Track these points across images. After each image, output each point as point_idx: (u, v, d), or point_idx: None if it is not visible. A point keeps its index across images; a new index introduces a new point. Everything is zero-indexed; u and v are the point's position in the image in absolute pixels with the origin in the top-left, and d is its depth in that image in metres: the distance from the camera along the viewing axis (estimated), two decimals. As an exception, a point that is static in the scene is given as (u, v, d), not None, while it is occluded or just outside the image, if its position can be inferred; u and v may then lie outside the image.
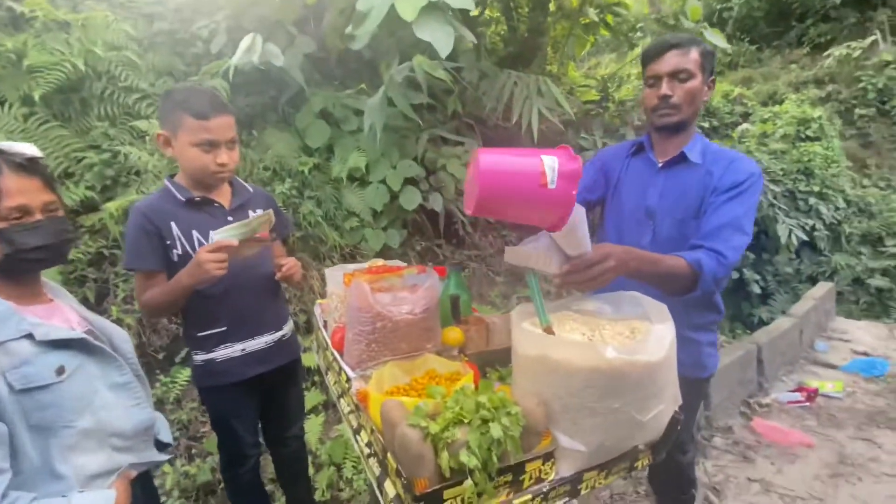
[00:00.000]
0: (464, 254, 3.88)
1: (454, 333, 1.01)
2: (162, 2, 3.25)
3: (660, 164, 1.26)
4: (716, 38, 3.46)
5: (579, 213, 0.77)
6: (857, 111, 6.53)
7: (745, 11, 8.47)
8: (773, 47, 8.36)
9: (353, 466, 2.31)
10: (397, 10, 2.13)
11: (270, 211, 1.18)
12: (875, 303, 4.48)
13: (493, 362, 1.01)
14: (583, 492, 0.72)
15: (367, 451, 0.78)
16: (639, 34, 7.53)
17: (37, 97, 2.43)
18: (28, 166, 0.86)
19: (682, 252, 1.05)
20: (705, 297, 1.09)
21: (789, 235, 4.67)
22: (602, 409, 0.68)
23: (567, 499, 0.71)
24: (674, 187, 1.22)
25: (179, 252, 1.23)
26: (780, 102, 6.39)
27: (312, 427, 2.40)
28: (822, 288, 3.97)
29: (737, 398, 2.78)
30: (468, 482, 0.59)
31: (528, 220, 0.78)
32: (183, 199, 1.25)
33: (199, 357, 1.29)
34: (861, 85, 6.62)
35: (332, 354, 1.04)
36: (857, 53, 6.74)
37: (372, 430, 0.76)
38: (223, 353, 1.28)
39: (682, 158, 1.21)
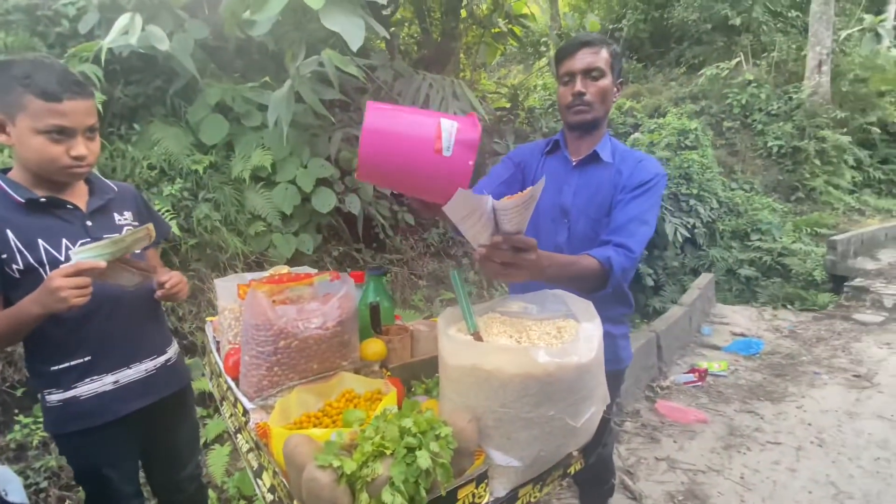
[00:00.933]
0: (385, 258, 3.76)
1: (374, 346, 0.91)
2: (11, -31, 2.71)
3: (574, 163, 1.28)
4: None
5: (538, 191, 0.70)
6: (725, 124, 7.56)
7: (633, 33, 9.42)
8: (656, 66, 9.40)
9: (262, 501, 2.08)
10: (302, -2, 1.96)
11: (150, 226, 0.96)
12: (745, 289, 5.17)
13: (419, 373, 0.93)
14: (518, 509, 0.67)
15: (269, 497, 0.65)
16: (542, 48, 8.02)
17: None
18: None
19: (591, 251, 1.07)
20: (616, 290, 1.12)
21: (675, 233, 5.24)
22: (537, 418, 0.64)
23: (502, 520, 0.64)
24: (587, 186, 1.25)
25: (20, 266, 0.96)
26: (664, 115, 7.17)
27: (217, 459, 2.12)
28: (705, 278, 4.48)
29: (642, 383, 3.00)
30: (393, 526, 0.50)
31: (419, 191, 0.71)
32: (21, 199, 0.98)
33: (55, 397, 1.01)
34: (728, 101, 7.69)
35: (227, 382, 0.88)
36: (724, 73, 7.82)
37: (275, 473, 0.63)
38: (88, 388, 1.03)
39: (594, 157, 1.25)
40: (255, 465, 0.72)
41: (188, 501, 1.30)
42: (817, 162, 7.25)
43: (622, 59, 1.22)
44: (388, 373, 0.90)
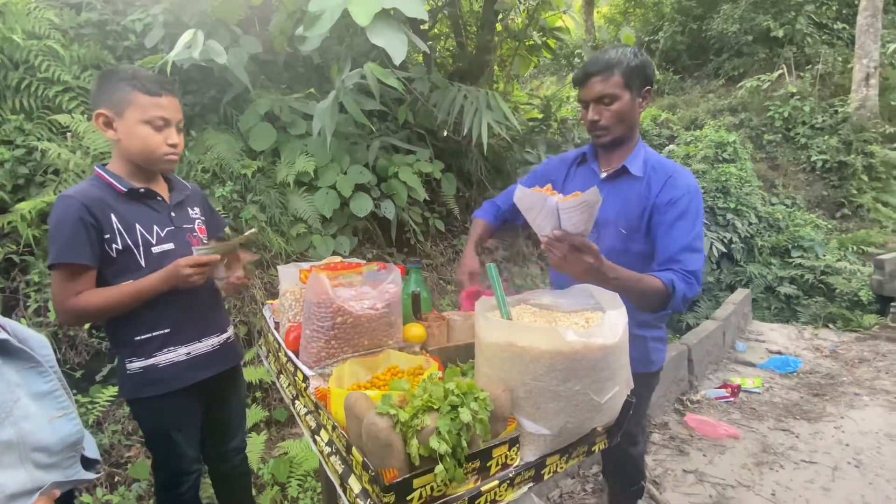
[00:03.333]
0: (414, 259, 3.86)
1: (416, 330, 1.01)
2: (90, -9, 3.02)
3: (603, 176, 1.31)
4: (647, 65, 3.77)
5: (595, 197, 0.83)
6: (766, 137, 7.36)
7: (670, 45, 9.33)
8: (693, 77, 9.26)
9: (299, 485, 2.20)
10: (351, 15, 2.12)
11: (255, 230, 1.18)
12: (784, 308, 5.00)
13: (455, 357, 1.01)
14: (546, 477, 0.74)
15: (327, 450, 0.75)
16: (576, 60, 8.05)
17: (-66, 83, 2.15)
18: None
19: (656, 272, 1.12)
20: None
21: (710, 248, 5.14)
22: (564, 391, 0.71)
23: (531, 484, 0.72)
24: (616, 199, 1.27)
25: (119, 247, 1.12)
26: (701, 127, 7.06)
27: (254, 445, 2.26)
28: (740, 294, 4.37)
29: (671, 396, 2.97)
30: (440, 468, 0.58)
31: None
32: (124, 189, 1.14)
33: (136, 364, 1.16)
34: (769, 114, 7.49)
35: (286, 355, 0.99)
36: (765, 85, 7.63)
37: (333, 427, 0.73)
38: (166, 357, 1.18)
39: (624, 171, 1.28)
40: (313, 424, 0.83)
41: (233, 471, 1.43)
42: (865, 178, 6.94)
43: (645, 68, 1.21)
44: (428, 353, 0.99)
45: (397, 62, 2.19)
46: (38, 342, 0.89)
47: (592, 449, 0.81)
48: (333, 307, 0.86)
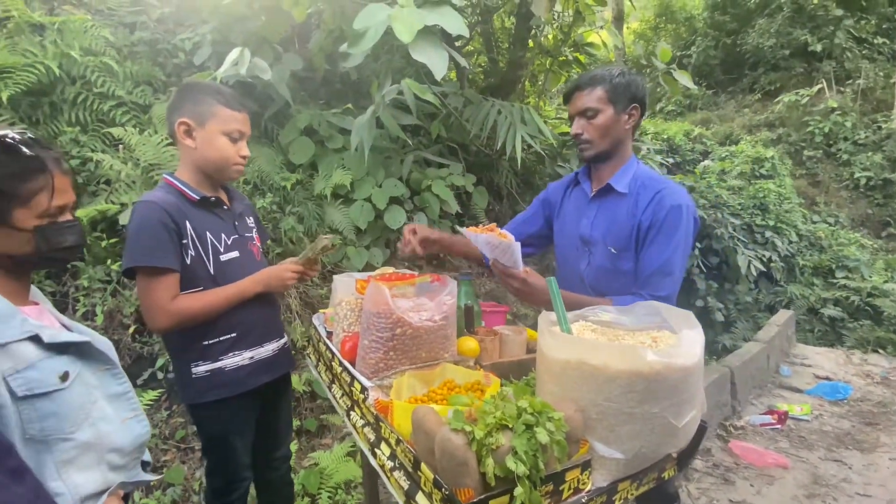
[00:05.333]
0: (449, 275, 3.85)
1: (470, 343, 0.98)
2: (144, 11, 3.19)
3: (591, 195, 1.32)
4: (683, 79, 3.72)
5: (514, 246, 1.00)
6: (806, 153, 7.12)
7: (703, 59, 9.20)
8: (728, 92, 9.08)
9: (329, 497, 2.18)
10: (394, 32, 2.16)
11: (332, 236, 1.25)
12: (828, 331, 4.75)
13: (508, 373, 0.99)
14: (616, 503, 0.70)
15: (389, 464, 0.73)
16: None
17: (4, 98, 2.29)
18: (66, 164, 0.81)
19: (617, 297, 1.16)
20: None
21: (748, 266, 4.94)
22: (641, 414, 0.67)
23: (603, 511, 0.68)
24: (604, 218, 1.28)
25: (193, 254, 1.15)
26: (737, 143, 6.88)
27: (287, 455, 2.26)
28: (784, 315, 4.18)
29: (713, 421, 2.83)
30: (518, 490, 0.56)
31: None
32: (196, 197, 1.19)
33: (202, 368, 1.18)
34: (809, 129, 7.26)
35: (342, 365, 0.99)
36: (804, 100, 7.41)
37: (397, 441, 0.71)
38: (232, 360, 1.20)
39: (609, 189, 1.28)
40: (371, 437, 0.81)
41: (279, 481, 1.42)
42: (912, 196, 6.61)
43: (631, 86, 1.22)
44: (482, 368, 0.97)
45: (439, 77, 2.21)
46: (105, 345, 0.91)
47: (662, 475, 0.76)
48: (393, 318, 0.85)
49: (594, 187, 1.33)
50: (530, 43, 5.05)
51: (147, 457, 0.99)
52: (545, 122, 5.88)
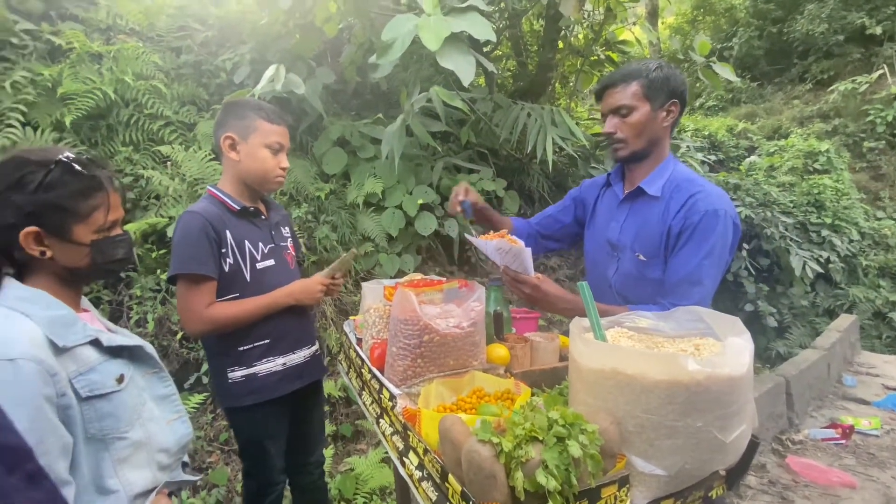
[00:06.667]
0: (478, 280, 3.83)
1: (500, 351, 0.96)
2: (189, 35, 3.38)
3: (622, 197, 1.26)
4: (724, 71, 3.54)
5: (525, 252, 1.00)
6: (866, 144, 6.61)
7: (746, 50, 8.76)
8: (775, 84, 8.59)
9: (365, 503, 2.19)
10: (422, 41, 2.18)
11: (354, 250, 1.31)
12: (899, 336, 4.36)
13: (539, 382, 0.95)
14: (659, 523, 0.65)
15: (418, 474, 0.72)
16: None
17: (68, 123, 2.48)
18: (117, 182, 0.87)
19: (637, 306, 1.09)
20: None
21: (803, 268, 4.61)
22: (683, 427, 0.63)
23: (643, 530, 0.64)
24: (634, 222, 1.21)
25: (231, 262, 1.20)
26: (786, 136, 6.49)
27: (323, 461, 2.29)
28: (846, 320, 3.87)
29: (767, 434, 2.65)
30: (550, 506, 0.53)
31: None
32: (237, 207, 1.24)
33: (238, 373, 1.22)
34: (869, 118, 6.73)
35: (371, 372, 0.99)
36: (862, 88, 6.90)
37: (425, 451, 0.70)
38: (266, 367, 1.24)
39: (640, 192, 1.21)
40: (400, 446, 0.80)
41: (313, 485, 1.45)
42: None
43: (670, 80, 1.14)
44: (512, 376, 0.94)
45: (466, 83, 2.21)
46: (151, 349, 0.96)
47: (710, 494, 0.71)
48: (420, 325, 0.85)
49: (626, 189, 1.27)
50: (560, 44, 4.98)
51: (186, 457, 1.03)
52: (577, 123, 5.78)
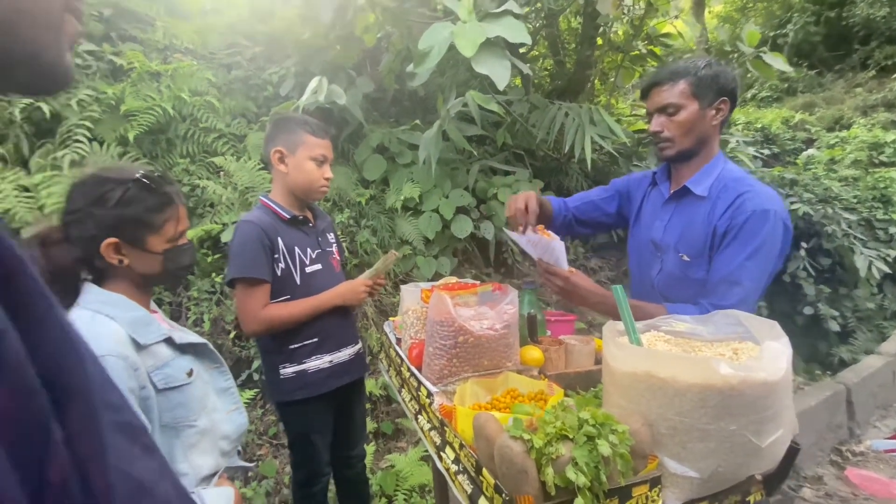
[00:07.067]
0: (513, 282, 3.84)
1: (533, 353, 0.99)
2: (239, 52, 3.60)
3: (667, 197, 1.24)
4: (776, 62, 3.37)
5: (557, 245, 1.05)
6: (938, 134, 6.04)
7: (802, 36, 8.22)
8: (835, 71, 8.02)
9: (405, 499, 2.25)
10: (457, 48, 2.22)
11: (395, 252, 1.40)
12: (982, 343, 3.95)
13: (574, 385, 0.97)
14: (693, 525, 0.66)
15: (454, 468, 0.76)
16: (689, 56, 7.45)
17: (131, 138, 2.71)
18: (183, 196, 0.98)
19: (673, 305, 1.11)
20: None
21: (869, 268, 4.28)
22: (716, 431, 0.63)
23: (676, 531, 0.64)
24: (678, 222, 1.19)
25: (283, 266, 1.31)
26: (848, 127, 6.05)
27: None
28: (917, 324, 3.56)
29: (826, 445, 2.49)
30: (578, 501, 0.55)
31: None
32: (287, 216, 1.34)
33: (289, 369, 1.32)
34: (940, 106, 6.17)
35: (410, 370, 1.04)
36: (932, 74, 6.32)
37: (461, 446, 0.74)
38: (314, 364, 1.34)
39: (686, 192, 1.19)
40: (437, 441, 0.85)
41: (355, 478, 1.54)
42: None
43: (719, 77, 1.12)
44: (546, 378, 0.96)
45: (501, 87, 2.24)
46: (212, 347, 1.05)
47: (747, 499, 0.71)
48: (455, 326, 0.89)
49: (672, 188, 1.25)
50: (598, 41, 4.89)
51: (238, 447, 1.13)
52: (618, 120, 5.65)
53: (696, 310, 1.04)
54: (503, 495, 0.59)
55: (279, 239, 1.29)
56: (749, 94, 8.42)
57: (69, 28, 0.29)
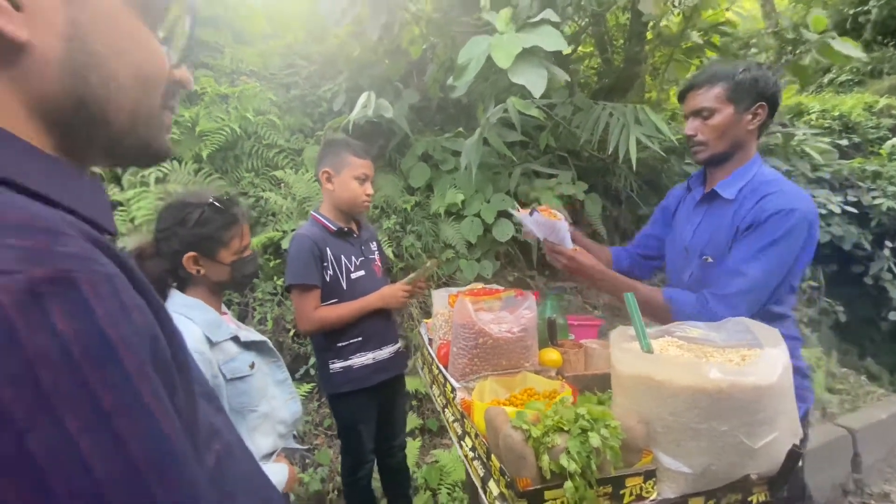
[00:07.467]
0: (558, 285, 3.83)
1: (552, 355, 1.06)
2: (296, 72, 3.90)
3: (697, 201, 1.25)
4: (846, 48, 3.12)
5: (562, 225, 1.14)
6: None
7: (887, 13, 7.41)
8: (928, 49, 7.16)
9: (448, 494, 2.35)
10: (494, 59, 2.31)
11: (435, 259, 1.45)
12: None
13: (592, 386, 1.03)
14: (689, 518, 0.71)
15: (471, 454, 0.86)
16: (753, 50, 6.97)
17: (205, 156, 3.05)
18: (247, 215, 1.17)
19: (669, 288, 1.18)
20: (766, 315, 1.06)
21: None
22: (707, 430, 0.68)
23: (671, 522, 0.70)
24: (707, 226, 1.20)
25: (331, 273, 1.49)
26: (944, 110, 5.40)
27: (409, 450, 2.50)
28: None
29: (894, 460, 2.30)
30: (568, 484, 0.63)
31: None
32: (334, 229, 1.52)
33: (338, 365, 1.50)
34: None
35: (438, 368, 1.15)
36: None
37: (476, 436, 0.84)
38: (359, 360, 1.50)
39: (715, 195, 1.19)
40: (459, 431, 0.95)
41: (397, 466, 1.70)
42: None
43: (758, 82, 1.13)
44: (564, 379, 1.03)
45: (537, 95, 2.29)
46: (270, 344, 1.23)
47: (749, 499, 0.74)
48: (476, 329, 0.98)
49: (704, 192, 1.28)
50: (648, 34, 4.75)
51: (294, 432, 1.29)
52: (673, 115, 5.42)
53: (695, 297, 1.08)
54: (506, 477, 0.68)
55: (328, 249, 1.47)
56: (826, 79, 7.71)
57: (167, 120, 0.43)
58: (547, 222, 1.12)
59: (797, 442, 0.73)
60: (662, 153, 3.86)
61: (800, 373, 1.19)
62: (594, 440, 0.65)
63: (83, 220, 0.30)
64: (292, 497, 2.32)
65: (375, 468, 1.75)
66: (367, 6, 3.04)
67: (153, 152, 0.41)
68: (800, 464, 1.17)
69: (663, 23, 4.74)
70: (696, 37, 4.61)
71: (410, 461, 2.44)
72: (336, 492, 2.37)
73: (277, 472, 1.00)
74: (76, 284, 0.22)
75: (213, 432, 0.34)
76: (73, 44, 0.31)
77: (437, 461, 2.52)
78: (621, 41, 5.07)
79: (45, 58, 0.31)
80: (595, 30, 4.77)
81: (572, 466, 0.63)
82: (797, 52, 3.41)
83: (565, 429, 0.68)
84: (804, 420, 1.19)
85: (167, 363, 0.29)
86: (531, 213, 1.14)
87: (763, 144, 4.84)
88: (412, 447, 2.56)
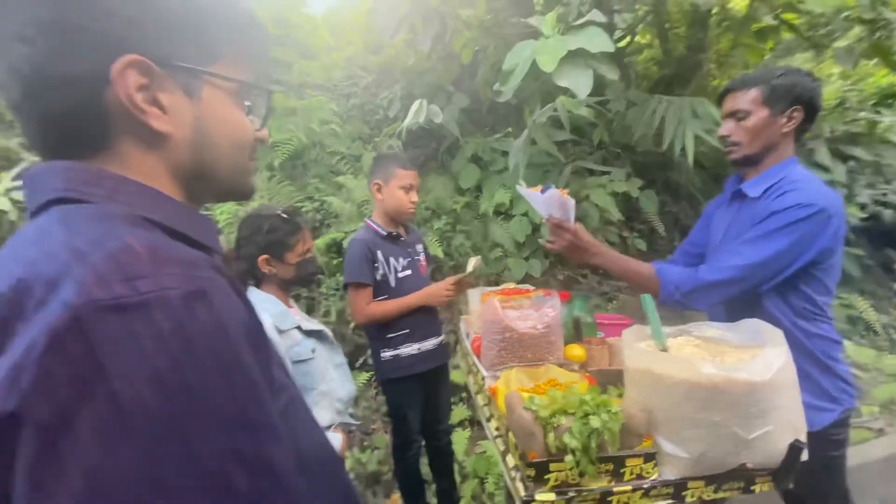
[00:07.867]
0: (612, 283, 3.79)
1: (576, 350, 1.15)
2: (355, 82, 4.18)
3: (728, 202, 1.27)
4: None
5: (568, 201, 1.20)
6: None
7: None
8: None
9: (495, 483, 2.47)
10: (538, 64, 2.36)
11: (478, 257, 1.66)
12: None
13: (615, 381, 1.11)
14: (688, 499, 0.78)
15: (495, 433, 0.98)
16: (830, 27, 6.29)
17: (276, 164, 3.38)
18: (307, 223, 1.38)
19: (660, 263, 1.23)
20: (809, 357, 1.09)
21: None
22: (703, 420, 0.75)
23: (671, 502, 0.78)
24: (735, 225, 1.22)
25: (381, 273, 1.69)
26: None
27: (459, 440, 2.65)
28: None
29: None
30: (569, 458, 0.74)
31: None
32: (384, 234, 1.71)
33: (388, 353, 1.69)
34: None
35: (472, 358, 1.29)
36: None
37: (499, 417, 0.96)
38: (406, 350, 1.68)
39: (740, 195, 1.21)
40: (487, 414, 1.07)
41: (442, 449, 1.88)
42: None
43: (796, 86, 1.14)
44: (587, 373, 1.12)
45: (582, 97, 2.32)
46: (329, 333, 1.43)
47: (751, 488, 0.80)
48: (502, 325, 1.10)
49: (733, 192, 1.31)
50: (712, 20, 4.49)
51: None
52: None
53: (688, 272, 1.13)
54: (518, 450, 0.80)
55: (378, 252, 1.66)
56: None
57: (252, 168, 0.60)
58: (560, 199, 1.18)
59: (800, 437, 0.78)
60: (722, 146, 3.68)
61: (835, 373, 1.17)
62: (595, 422, 0.75)
63: (201, 246, 0.47)
64: (351, 474, 2.57)
65: (423, 451, 1.93)
66: (420, 18, 3.21)
67: (244, 192, 0.57)
68: (839, 466, 1.16)
69: (730, 4, 4.47)
70: (768, 18, 4.29)
71: (460, 450, 2.59)
72: (390, 472, 2.58)
73: (333, 440, 1.19)
74: (207, 295, 0.37)
75: (283, 387, 0.49)
76: (196, 131, 0.48)
77: (484, 452, 2.65)
78: (683, 28, 4.84)
79: (179, 141, 0.48)
80: (655, 19, 4.59)
81: (573, 443, 0.74)
82: (878, 32, 3.10)
83: (570, 412, 0.78)
84: (844, 422, 1.17)
85: (263, 338, 0.44)
86: (543, 191, 1.20)
87: (844, 133, 4.41)
88: (462, 437, 2.70)
